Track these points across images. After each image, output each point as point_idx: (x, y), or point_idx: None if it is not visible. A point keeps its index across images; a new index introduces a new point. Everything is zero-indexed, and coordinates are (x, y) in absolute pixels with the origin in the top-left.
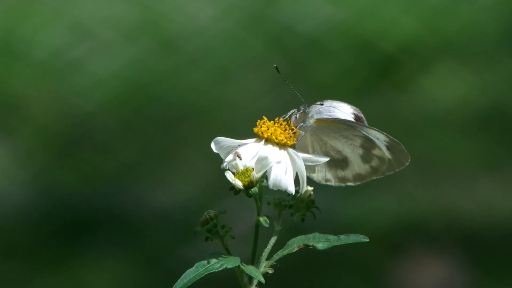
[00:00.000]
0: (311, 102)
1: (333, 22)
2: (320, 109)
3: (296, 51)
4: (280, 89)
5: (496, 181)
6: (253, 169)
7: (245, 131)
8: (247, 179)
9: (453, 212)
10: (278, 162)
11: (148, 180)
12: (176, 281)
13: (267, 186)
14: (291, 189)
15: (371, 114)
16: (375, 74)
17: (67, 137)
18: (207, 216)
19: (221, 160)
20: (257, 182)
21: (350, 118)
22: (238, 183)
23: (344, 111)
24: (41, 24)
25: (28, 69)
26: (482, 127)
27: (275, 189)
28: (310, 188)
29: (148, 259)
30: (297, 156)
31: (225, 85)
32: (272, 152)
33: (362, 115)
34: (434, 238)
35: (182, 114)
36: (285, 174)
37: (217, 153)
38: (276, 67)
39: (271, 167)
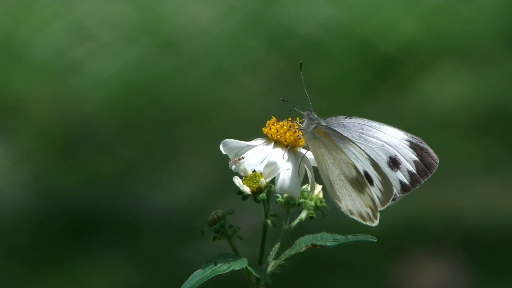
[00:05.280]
0: (312, 103)
1: (333, 23)
2: (345, 123)
3: (296, 53)
4: (280, 90)
5: (497, 182)
6: (261, 174)
7: (245, 132)
8: (255, 185)
9: (453, 213)
10: (288, 169)
11: (148, 181)
12: (176, 282)
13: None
14: (298, 194)
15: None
16: (375, 75)
17: (67, 139)
18: (215, 216)
19: (221, 161)
20: (265, 187)
21: (403, 146)
22: (246, 190)
23: (391, 134)
24: (41, 26)
25: (28, 70)
26: (482, 129)
27: (282, 193)
28: (319, 187)
29: (148, 260)
30: (306, 157)
31: (225, 86)
32: (281, 157)
33: (426, 146)
34: (435, 239)
35: (182, 115)
36: (293, 178)
37: (217, 155)
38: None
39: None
